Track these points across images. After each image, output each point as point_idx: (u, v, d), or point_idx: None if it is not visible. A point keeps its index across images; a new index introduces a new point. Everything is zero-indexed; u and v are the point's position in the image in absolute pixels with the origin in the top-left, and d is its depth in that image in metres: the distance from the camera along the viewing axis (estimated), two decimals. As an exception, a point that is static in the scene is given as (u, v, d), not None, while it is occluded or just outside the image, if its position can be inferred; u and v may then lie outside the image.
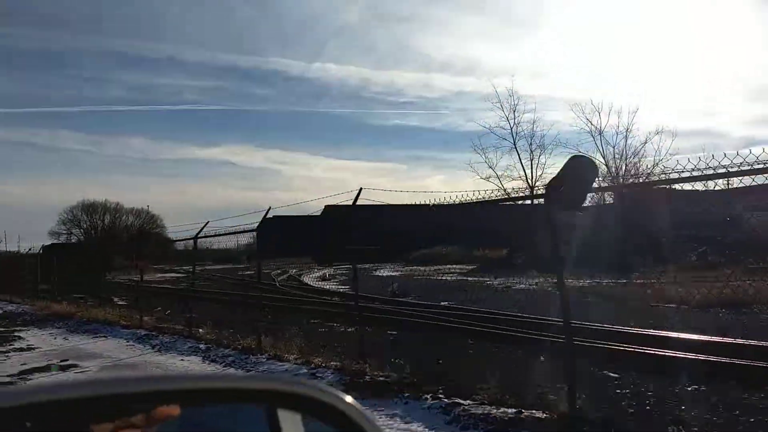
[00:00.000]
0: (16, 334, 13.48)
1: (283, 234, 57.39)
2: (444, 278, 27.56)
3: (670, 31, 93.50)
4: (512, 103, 36.44)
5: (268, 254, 40.35)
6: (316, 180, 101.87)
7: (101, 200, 68.54)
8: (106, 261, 35.03)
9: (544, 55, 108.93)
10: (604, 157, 34.12)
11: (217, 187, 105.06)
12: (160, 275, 34.52)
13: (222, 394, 1.07)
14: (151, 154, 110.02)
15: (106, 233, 66.18)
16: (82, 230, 67.22)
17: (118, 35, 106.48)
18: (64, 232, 65.97)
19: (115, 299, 21.38)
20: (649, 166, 32.17)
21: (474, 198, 7.84)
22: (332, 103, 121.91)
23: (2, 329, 14.44)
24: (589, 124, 35.00)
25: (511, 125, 36.82)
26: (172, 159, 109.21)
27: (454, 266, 35.87)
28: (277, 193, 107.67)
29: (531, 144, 36.76)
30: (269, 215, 13.27)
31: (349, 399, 1.10)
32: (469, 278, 26.21)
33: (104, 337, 12.56)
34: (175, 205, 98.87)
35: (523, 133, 36.81)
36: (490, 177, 36.12)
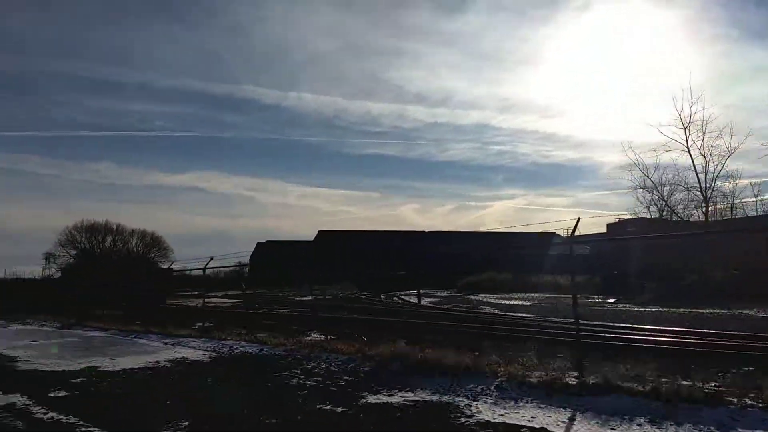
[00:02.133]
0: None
1: (280, 259, 55.59)
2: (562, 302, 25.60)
3: (637, 73, 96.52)
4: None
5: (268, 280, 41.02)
6: (289, 207, 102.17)
7: (102, 221, 67.12)
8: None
9: (514, 89, 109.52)
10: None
11: (185, 214, 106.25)
12: (198, 300, 33.56)
13: None
14: (119, 179, 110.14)
15: (131, 258, 63.33)
16: (81, 251, 65.69)
17: (88, 60, 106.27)
18: (63, 254, 64.67)
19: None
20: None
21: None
22: (306, 132, 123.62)
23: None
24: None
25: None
26: (140, 185, 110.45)
27: (527, 293, 35.49)
28: (247, 220, 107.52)
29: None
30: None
31: None
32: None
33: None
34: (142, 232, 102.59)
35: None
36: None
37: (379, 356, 10.15)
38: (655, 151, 32.74)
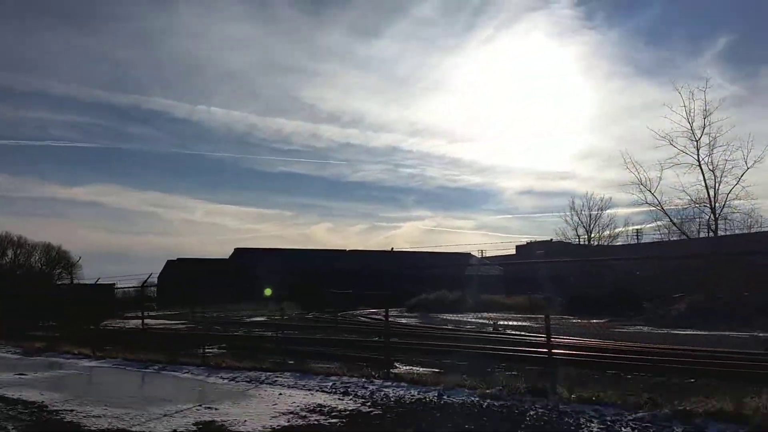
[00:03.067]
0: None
1: (192, 277, 50.59)
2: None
3: (538, 104, 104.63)
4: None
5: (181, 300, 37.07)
6: (195, 224, 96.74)
7: (2, 233, 57.05)
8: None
9: (423, 114, 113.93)
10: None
11: (81, 229, 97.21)
12: (133, 321, 29.73)
13: None
14: (12, 191, 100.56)
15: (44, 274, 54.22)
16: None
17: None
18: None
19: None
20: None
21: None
22: (216, 147, 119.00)
23: None
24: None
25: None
26: (34, 197, 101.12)
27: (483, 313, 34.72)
28: (150, 236, 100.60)
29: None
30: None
31: None
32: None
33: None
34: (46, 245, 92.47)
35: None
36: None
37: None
38: (660, 164, 32.28)
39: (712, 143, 31.53)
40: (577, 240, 54.58)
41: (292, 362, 13.28)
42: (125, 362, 14.96)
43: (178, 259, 57.70)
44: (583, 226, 52.38)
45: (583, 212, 51.94)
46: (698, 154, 31.66)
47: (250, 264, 59.08)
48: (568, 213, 53.55)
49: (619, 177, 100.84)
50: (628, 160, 34.21)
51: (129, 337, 20.82)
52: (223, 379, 11.86)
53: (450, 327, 23.97)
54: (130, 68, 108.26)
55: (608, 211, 50.67)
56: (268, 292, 47.40)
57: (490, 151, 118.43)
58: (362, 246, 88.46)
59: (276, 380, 11.22)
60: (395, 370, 11.65)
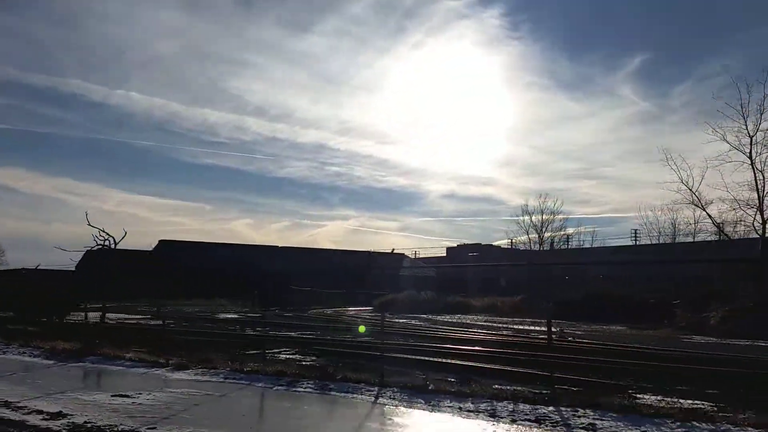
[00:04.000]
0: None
1: (115, 270, 45.43)
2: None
3: (464, 110, 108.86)
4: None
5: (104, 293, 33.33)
6: (109, 214, 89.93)
7: None
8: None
9: (353, 113, 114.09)
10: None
11: None
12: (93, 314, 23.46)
13: None
14: None
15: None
16: None
17: None
18: None
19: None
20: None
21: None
22: (135, 134, 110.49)
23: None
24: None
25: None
26: None
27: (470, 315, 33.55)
28: (60, 225, 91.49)
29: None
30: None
31: None
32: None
33: None
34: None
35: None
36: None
37: None
38: (706, 161, 32.21)
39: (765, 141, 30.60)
40: (529, 243, 55.66)
41: (453, 379, 10.50)
42: (240, 376, 11.12)
43: (99, 249, 50.78)
44: (535, 229, 53.30)
45: (534, 215, 52.98)
46: (751, 153, 30.74)
47: (177, 257, 54.02)
48: (520, 216, 54.43)
49: (537, 186, 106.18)
50: (669, 156, 33.87)
51: (152, 335, 16.80)
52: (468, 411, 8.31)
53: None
54: (50, 49, 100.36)
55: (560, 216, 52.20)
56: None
57: (417, 154, 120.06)
58: (284, 243, 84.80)
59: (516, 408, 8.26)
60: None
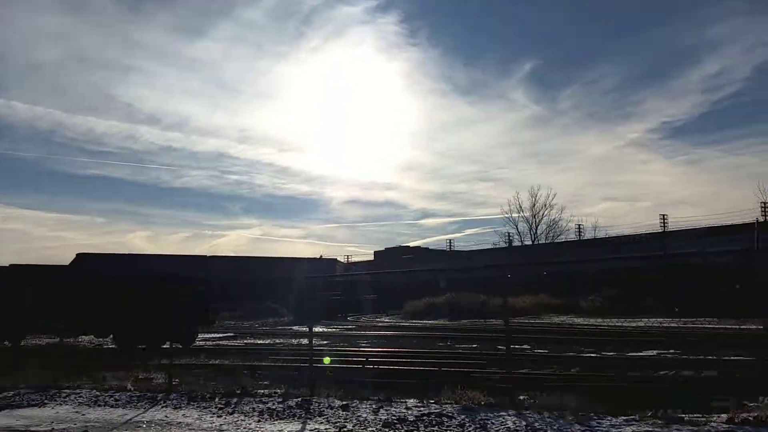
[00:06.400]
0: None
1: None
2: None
3: (365, 116, 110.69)
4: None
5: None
6: None
7: None
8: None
9: (252, 121, 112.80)
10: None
11: None
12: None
13: None
14: None
15: None
16: None
17: None
18: None
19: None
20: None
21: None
22: (15, 145, 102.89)
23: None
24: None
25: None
26: None
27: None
28: None
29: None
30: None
31: None
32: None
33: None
34: None
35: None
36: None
37: None
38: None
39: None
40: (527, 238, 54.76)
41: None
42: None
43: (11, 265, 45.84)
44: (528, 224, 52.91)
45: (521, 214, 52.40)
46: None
47: (100, 272, 49.81)
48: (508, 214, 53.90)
49: (438, 189, 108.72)
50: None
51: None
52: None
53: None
54: None
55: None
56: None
57: (318, 160, 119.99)
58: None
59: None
60: None
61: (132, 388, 9.92)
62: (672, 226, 49.11)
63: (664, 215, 51.66)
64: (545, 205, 52.42)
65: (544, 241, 51.22)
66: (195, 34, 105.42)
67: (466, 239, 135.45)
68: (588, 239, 51.01)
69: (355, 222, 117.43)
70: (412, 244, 73.99)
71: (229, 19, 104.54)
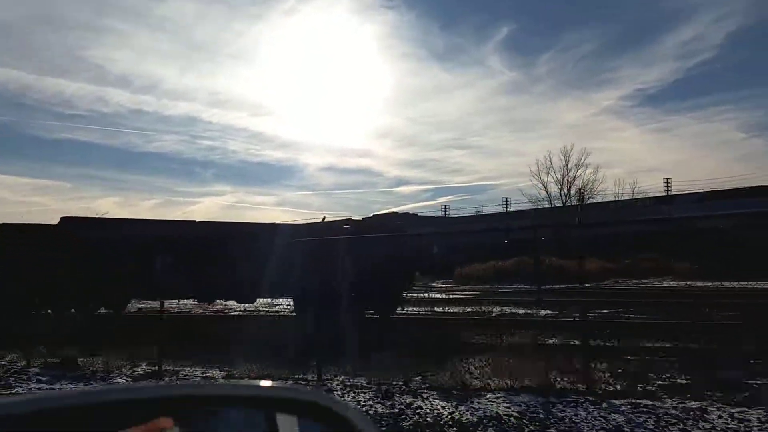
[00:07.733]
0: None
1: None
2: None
3: (340, 80, 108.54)
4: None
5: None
6: None
7: None
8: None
9: (226, 84, 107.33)
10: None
11: None
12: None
13: (226, 400, 1.10)
14: None
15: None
16: None
17: None
18: None
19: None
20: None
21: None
22: None
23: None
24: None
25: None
26: None
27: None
28: None
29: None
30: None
31: (350, 404, 1.22)
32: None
33: None
34: None
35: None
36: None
37: None
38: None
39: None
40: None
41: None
42: None
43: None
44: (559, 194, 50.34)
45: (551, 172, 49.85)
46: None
47: (88, 237, 43.98)
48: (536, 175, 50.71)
49: (413, 156, 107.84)
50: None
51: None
52: None
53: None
54: None
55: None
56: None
57: (293, 126, 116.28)
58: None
59: None
60: None
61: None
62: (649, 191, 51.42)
63: (667, 179, 53.81)
64: (578, 165, 50.63)
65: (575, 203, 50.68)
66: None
67: (441, 207, 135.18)
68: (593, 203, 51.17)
69: (331, 189, 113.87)
70: (386, 211, 72.02)
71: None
